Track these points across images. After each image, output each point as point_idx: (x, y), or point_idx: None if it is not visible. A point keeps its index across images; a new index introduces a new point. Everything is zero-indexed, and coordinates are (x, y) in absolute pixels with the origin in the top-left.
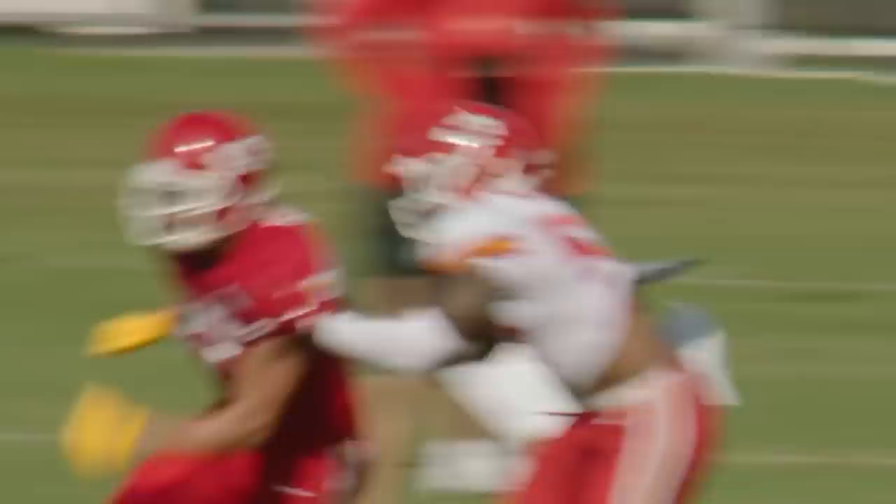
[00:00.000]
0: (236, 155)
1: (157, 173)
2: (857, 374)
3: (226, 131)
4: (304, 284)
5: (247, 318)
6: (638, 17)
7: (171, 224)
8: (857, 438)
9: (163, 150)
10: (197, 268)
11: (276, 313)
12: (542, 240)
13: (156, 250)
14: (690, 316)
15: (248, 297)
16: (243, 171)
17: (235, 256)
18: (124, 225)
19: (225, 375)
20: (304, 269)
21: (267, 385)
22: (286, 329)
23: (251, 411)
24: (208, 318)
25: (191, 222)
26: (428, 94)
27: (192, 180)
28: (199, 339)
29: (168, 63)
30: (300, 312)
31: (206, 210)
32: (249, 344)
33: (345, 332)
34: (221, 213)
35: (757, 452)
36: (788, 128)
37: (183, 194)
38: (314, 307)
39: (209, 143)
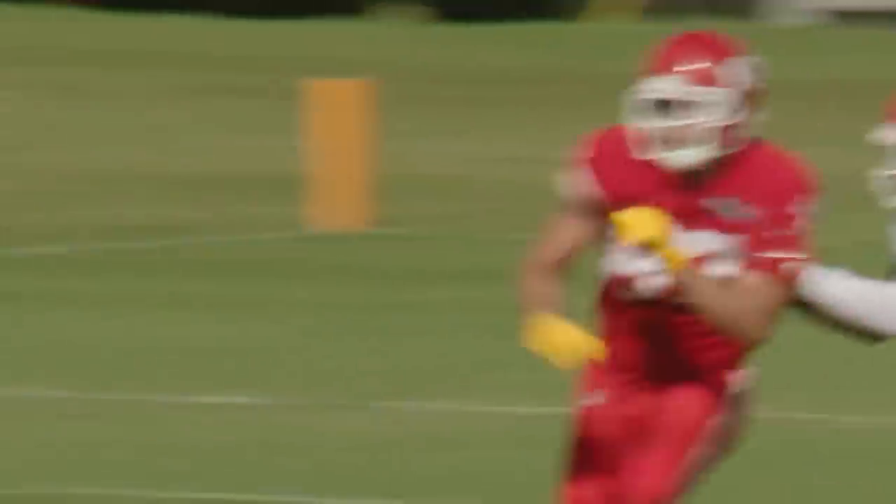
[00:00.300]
0: (743, 71)
1: (668, 86)
2: None
3: (728, 49)
4: (802, 225)
5: (739, 233)
6: None
7: (673, 139)
8: None
9: (670, 65)
10: (687, 187)
11: (768, 247)
12: None
13: (657, 165)
14: None
15: (749, 217)
16: (749, 87)
17: (734, 171)
18: None
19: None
20: (805, 207)
21: (767, 302)
22: (767, 266)
23: (768, 312)
24: (701, 236)
25: (697, 137)
26: None
27: (704, 94)
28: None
29: None
30: (790, 255)
31: (715, 124)
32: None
33: (834, 286)
34: (727, 129)
35: None
36: None
37: (694, 107)
38: (805, 255)
39: (717, 59)
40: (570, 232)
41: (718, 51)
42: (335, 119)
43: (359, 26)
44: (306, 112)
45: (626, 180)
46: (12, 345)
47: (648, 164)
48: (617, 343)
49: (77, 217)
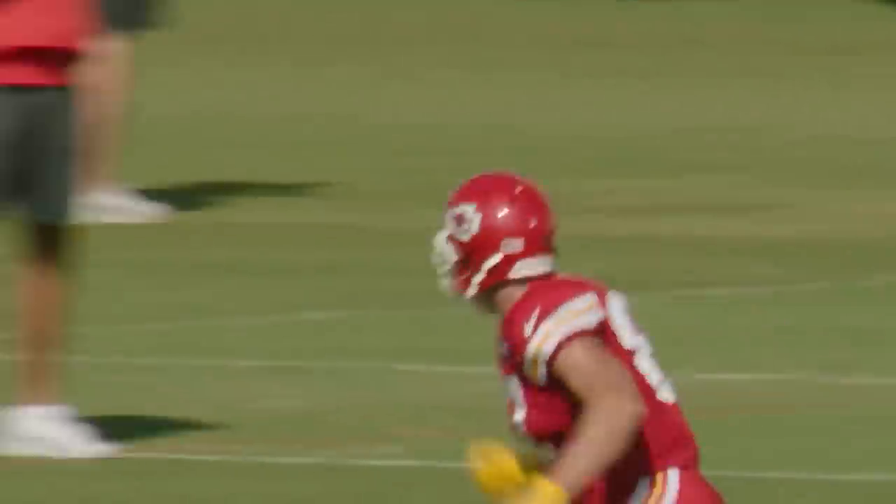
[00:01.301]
0: (464, 220)
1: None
2: None
3: (471, 196)
4: (555, 317)
5: (515, 365)
6: None
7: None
8: None
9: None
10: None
11: (527, 350)
12: None
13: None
14: None
15: (508, 345)
16: (469, 238)
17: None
18: None
19: (537, 439)
20: (552, 304)
21: (596, 373)
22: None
23: (610, 395)
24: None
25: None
26: None
27: (438, 236)
28: (511, 408)
29: None
30: (555, 341)
31: (448, 267)
32: (527, 379)
33: None
34: (459, 272)
35: None
36: None
37: (439, 249)
38: (566, 335)
39: (460, 203)
40: None
41: (460, 198)
42: None
43: None
44: None
45: None
46: None
47: None
48: None
49: None
